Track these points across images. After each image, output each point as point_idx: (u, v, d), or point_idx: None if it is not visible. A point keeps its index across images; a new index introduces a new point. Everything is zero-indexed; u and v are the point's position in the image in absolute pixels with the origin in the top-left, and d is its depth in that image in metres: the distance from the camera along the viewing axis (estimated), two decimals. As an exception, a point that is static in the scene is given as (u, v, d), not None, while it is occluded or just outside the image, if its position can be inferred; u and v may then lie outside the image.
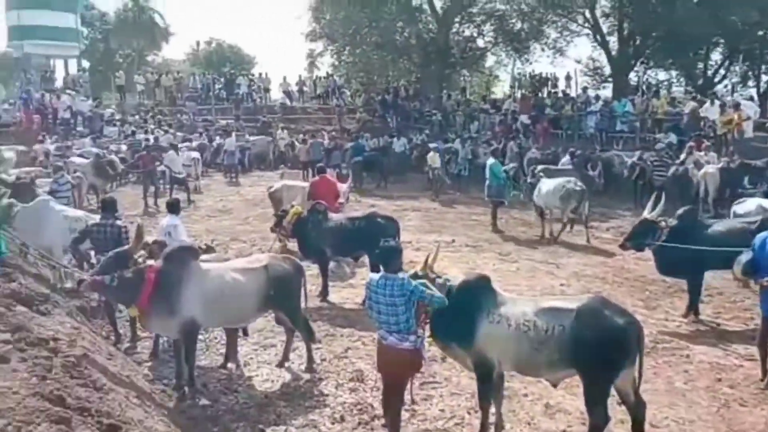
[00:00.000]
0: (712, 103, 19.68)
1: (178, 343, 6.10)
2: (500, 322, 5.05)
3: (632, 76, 29.69)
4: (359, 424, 5.70)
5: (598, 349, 4.73)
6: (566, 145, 20.30)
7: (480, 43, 33.35)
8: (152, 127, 25.38)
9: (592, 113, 22.87)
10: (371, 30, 31.26)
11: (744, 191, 13.86)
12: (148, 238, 6.51)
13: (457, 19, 32.02)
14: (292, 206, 9.89)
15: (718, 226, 8.49)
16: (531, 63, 32.67)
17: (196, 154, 20.91)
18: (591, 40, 30.06)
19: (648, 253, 8.74)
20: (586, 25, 29.35)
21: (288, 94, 33.56)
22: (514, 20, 31.16)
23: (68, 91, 29.75)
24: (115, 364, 5.68)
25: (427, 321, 5.19)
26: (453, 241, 13.08)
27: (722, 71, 29.17)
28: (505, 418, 5.61)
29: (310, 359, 6.84)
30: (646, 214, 8.42)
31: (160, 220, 9.47)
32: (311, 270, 9.08)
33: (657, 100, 22.33)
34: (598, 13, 28.77)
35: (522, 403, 6.09)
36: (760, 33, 25.43)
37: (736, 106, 19.17)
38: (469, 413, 5.85)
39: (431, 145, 21.08)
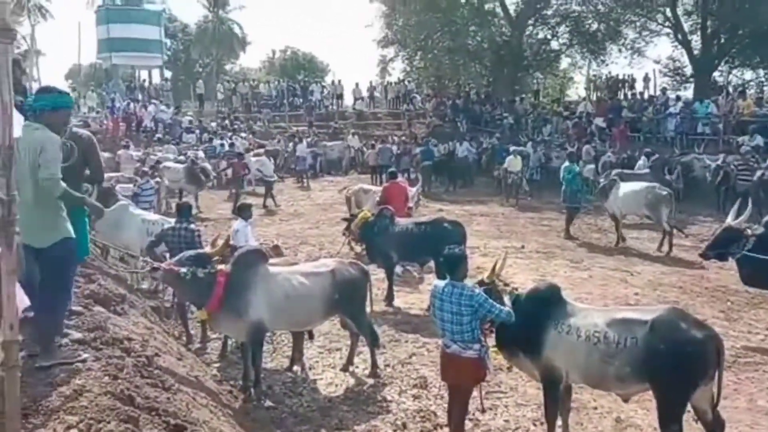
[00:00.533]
0: (803, 103, 18.59)
1: (245, 345, 6.23)
2: (569, 333, 4.91)
3: (716, 75, 28.43)
4: (421, 432, 5.63)
5: (674, 364, 4.51)
6: (644, 149, 19.58)
7: (554, 45, 32.77)
8: (229, 134, 26.22)
9: (672, 115, 22.01)
10: (443, 35, 31.18)
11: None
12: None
13: (530, 22, 31.59)
14: (361, 210, 9.99)
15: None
16: (607, 64, 31.91)
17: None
18: (671, 39, 29.03)
19: (730, 262, 8.29)
20: (667, 24, 28.39)
21: (360, 100, 33.92)
22: (590, 21, 30.47)
23: (153, 100, 31.18)
24: (185, 365, 5.83)
25: (492, 330, 5.11)
26: (523, 246, 12.83)
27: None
28: (572, 431, 5.41)
29: (374, 364, 6.84)
30: (729, 221, 8.01)
31: (233, 224, 9.74)
32: (377, 274, 9.10)
33: (743, 101, 21.26)
34: (679, 11, 27.79)
35: (590, 416, 5.86)
36: None
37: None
38: (534, 425, 5.70)
39: (511, 149, 20.11)
